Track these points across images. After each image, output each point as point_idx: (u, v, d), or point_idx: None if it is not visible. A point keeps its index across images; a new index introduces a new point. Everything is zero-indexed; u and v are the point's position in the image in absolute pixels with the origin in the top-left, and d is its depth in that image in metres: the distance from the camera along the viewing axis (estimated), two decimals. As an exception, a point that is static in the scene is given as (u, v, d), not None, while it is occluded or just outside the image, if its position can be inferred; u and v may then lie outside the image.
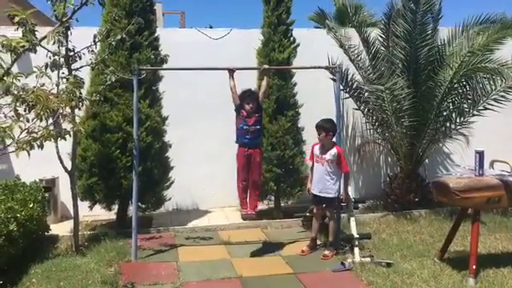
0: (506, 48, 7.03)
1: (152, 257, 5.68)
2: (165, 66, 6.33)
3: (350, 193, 5.84)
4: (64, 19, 4.30)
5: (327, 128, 5.63)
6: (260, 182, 5.94)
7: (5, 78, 3.11)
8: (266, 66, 5.93)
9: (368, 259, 5.38)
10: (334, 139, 5.73)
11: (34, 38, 3.65)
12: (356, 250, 5.49)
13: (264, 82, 5.80)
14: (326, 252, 5.65)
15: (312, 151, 5.88)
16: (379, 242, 6.06)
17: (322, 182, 5.67)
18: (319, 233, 5.97)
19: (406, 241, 6.12)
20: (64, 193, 7.36)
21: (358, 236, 5.57)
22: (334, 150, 5.61)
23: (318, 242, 5.97)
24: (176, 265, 5.38)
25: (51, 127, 4.24)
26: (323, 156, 5.66)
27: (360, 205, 6.68)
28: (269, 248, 5.97)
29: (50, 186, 7.24)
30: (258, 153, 5.67)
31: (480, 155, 4.98)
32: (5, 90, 3.24)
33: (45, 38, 3.76)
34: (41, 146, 3.68)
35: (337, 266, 5.25)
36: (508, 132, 8.49)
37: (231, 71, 5.64)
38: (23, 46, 3.46)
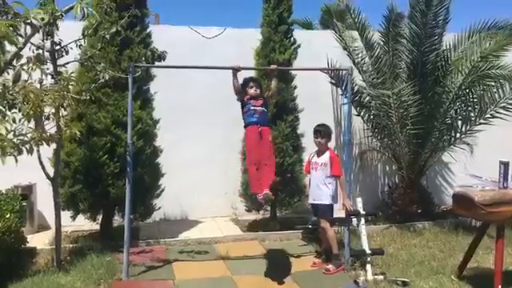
0: (510, 54, 6.84)
1: (145, 274, 5.13)
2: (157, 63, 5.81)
3: (359, 205, 5.43)
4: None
5: (324, 131, 5.48)
6: (274, 160, 5.16)
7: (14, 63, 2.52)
8: (274, 67, 5.47)
9: (381, 277, 4.98)
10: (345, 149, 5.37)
11: (56, 10, 2.96)
12: (368, 266, 5.08)
13: (272, 84, 5.38)
14: (329, 266, 5.27)
15: (308, 160, 5.63)
16: (388, 256, 5.65)
17: (317, 188, 5.40)
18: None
19: (416, 256, 5.76)
20: (41, 201, 6.79)
21: (370, 252, 5.16)
22: (327, 153, 5.41)
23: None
24: (173, 283, 4.87)
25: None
26: (317, 161, 5.44)
27: (369, 217, 6.28)
28: (271, 264, 5.51)
29: (27, 193, 6.60)
30: (269, 131, 5.10)
31: (505, 166, 4.64)
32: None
33: (71, 9, 3.01)
34: (30, 151, 3.13)
35: (350, 285, 4.83)
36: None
37: (236, 71, 5.17)
38: (42, 19, 2.85)
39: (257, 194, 4.87)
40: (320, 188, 5.34)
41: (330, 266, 5.24)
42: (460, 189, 4.89)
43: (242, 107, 5.15)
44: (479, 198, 4.48)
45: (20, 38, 2.71)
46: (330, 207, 5.36)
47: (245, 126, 5.11)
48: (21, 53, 3.34)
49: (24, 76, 3.94)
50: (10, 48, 3.10)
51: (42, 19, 2.77)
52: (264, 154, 4.93)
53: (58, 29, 2.97)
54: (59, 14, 2.80)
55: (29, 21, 2.71)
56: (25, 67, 3.00)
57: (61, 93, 3.68)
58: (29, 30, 3.11)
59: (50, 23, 2.84)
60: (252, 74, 6.87)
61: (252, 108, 5.03)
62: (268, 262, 5.58)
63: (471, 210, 4.57)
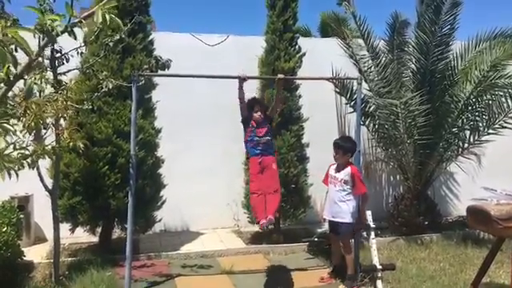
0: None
1: (147, 290, 4.95)
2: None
3: (369, 218, 5.26)
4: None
5: (347, 147, 5.12)
6: (279, 190, 5.04)
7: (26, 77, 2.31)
8: (281, 76, 5.30)
9: (392, 293, 4.83)
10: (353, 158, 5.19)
11: (75, 15, 2.69)
12: (379, 283, 4.93)
13: (278, 94, 5.22)
14: (341, 287, 5.06)
15: (327, 172, 5.32)
16: (397, 271, 5.47)
17: (335, 205, 5.11)
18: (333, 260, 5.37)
19: (426, 270, 5.60)
20: (37, 212, 6.59)
21: (380, 267, 4.99)
22: (347, 169, 5.08)
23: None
24: (177, 301, 4.68)
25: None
26: (337, 176, 5.13)
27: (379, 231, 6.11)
28: (277, 279, 5.34)
29: (23, 204, 6.40)
30: (273, 160, 5.00)
31: (521, 179, 4.49)
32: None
33: (91, 15, 2.74)
34: (32, 166, 2.94)
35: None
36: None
37: (242, 80, 4.99)
38: (55, 27, 2.61)
39: (260, 221, 4.75)
40: (339, 205, 5.06)
41: (342, 287, 5.04)
42: (475, 202, 4.74)
43: (245, 128, 5.04)
44: (495, 212, 4.31)
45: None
46: (352, 225, 5.08)
47: (247, 158, 5.11)
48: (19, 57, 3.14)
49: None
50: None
51: (55, 27, 2.55)
52: (268, 183, 4.87)
53: (75, 38, 2.73)
54: (77, 20, 2.59)
55: (44, 28, 2.51)
56: (37, 81, 2.77)
57: (63, 103, 3.49)
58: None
59: (67, 31, 2.63)
60: (256, 82, 6.76)
61: (256, 139, 4.93)
62: (273, 276, 5.42)
63: (487, 224, 4.40)
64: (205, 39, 6.59)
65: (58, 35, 2.62)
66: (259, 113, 4.98)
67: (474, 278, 4.90)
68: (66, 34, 2.81)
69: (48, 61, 4.66)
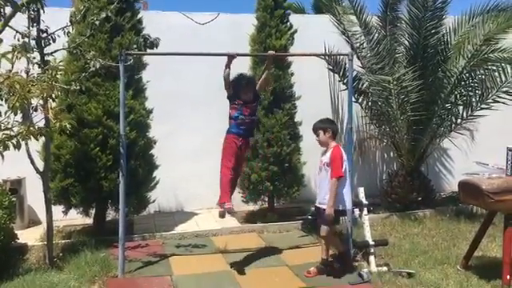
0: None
1: (141, 270, 4.94)
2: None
3: (361, 195, 5.23)
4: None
5: (320, 127, 4.85)
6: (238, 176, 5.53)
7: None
8: (272, 53, 5.24)
9: (385, 268, 4.86)
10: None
11: None
12: (371, 258, 4.94)
13: (266, 72, 5.18)
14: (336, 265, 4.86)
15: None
16: (390, 247, 5.50)
17: (322, 190, 4.78)
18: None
19: (419, 245, 5.63)
20: (31, 195, 6.56)
21: (373, 243, 5.01)
22: (329, 152, 4.76)
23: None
24: (171, 279, 4.68)
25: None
26: (322, 159, 4.86)
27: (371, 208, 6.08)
28: (271, 256, 5.36)
29: (16, 187, 6.38)
30: (248, 146, 5.33)
31: (513, 153, 4.50)
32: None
33: None
34: (17, 147, 2.90)
35: (355, 279, 4.67)
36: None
37: (231, 57, 4.93)
38: None
39: (224, 204, 4.89)
40: (324, 190, 4.73)
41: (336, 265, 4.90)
42: (466, 177, 4.76)
43: (231, 104, 5.03)
44: (486, 186, 4.35)
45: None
46: (337, 212, 4.70)
47: (227, 131, 5.06)
48: (0, 37, 3.06)
49: (6, 65, 3.67)
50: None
51: None
52: (239, 170, 5.30)
53: (42, 7, 2.63)
54: None
55: None
56: (9, 55, 2.70)
57: (49, 83, 3.43)
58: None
59: (34, 0, 2.55)
60: (248, 60, 6.69)
61: (241, 117, 4.94)
62: (268, 254, 5.43)
63: (478, 198, 4.44)
64: (195, 17, 6.47)
65: (23, 5, 2.53)
66: (248, 94, 4.97)
67: (466, 251, 4.96)
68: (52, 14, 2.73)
69: (34, 41, 4.58)
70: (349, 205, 4.83)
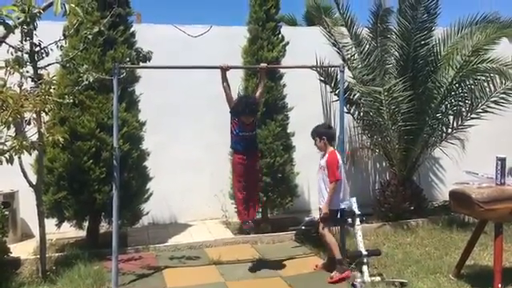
0: (499, 47, 6.78)
1: (135, 283, 4.95)
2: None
3: (354, 205, 5.27)
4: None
5: (317, 132, 5.21)
6: (259, 188, 5.56)
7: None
8: (264, 65, 5.32)
9: (378, 278, 4.86)
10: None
11: (33, 6, 2.64)
12: (365, 268, 4.95)
13: (261, 83, 5.28)
14: (332, 274, 5.02)
15: None
16: (383, 256, 5.53)
17: (320, 192, 5.17)
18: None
19: (411, 255, 5.66)
20: (24, 208, 6.54)
21: (366, 253, 5.03)
22: (326, 156, 5.12)
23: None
24: (165, 292, 4.69)
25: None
26: (320, 163, 5.22)
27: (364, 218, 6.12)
28: (265, 268, 5.37)
29: (9, 201, 6.36)
30: (256, 159, 5.34)
31: (502, 162, 4.55)
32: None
33: (50, 5, 2.67)
34: (10, 161, 2.92)
35: (347, 288, 4.71)
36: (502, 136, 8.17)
37: (224, 70, 5.01)
38: (18, 18, 2.57)
39: (245, 222, 5.28)
40: (322, 193, 5.12)
41: (334, 273, 5.00)
42: (457, 186, 4.80)
43: (231, 118, 5.14)
44: (476, 195, 4.39)
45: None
46: (333, 213, 5.08)
47: (231, 147, 5.30)
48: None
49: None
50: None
51: (18, 18, 2.51)
52: (252, 184, 5.27)
53: (35, 28, 2.68)
54: (37, 11, 2.54)
55: (1, 20, 2.47)
56: (2, 70, 2.73)
57: (42, 97, 3.45)
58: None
59: (26, 22, 2.59)
60: (240, 72, 6.74)
61: (241, 134, 5.08)
62: (261, 265, 5.44)
63: (469, 207, 4.48)
64: (188, 30, 6.54)
65: (16, 27, 2.58)
66: (250, 119, 5.10)
67: (458, 260, 5.00)
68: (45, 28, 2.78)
69: (27, 55, 4.61)
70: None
